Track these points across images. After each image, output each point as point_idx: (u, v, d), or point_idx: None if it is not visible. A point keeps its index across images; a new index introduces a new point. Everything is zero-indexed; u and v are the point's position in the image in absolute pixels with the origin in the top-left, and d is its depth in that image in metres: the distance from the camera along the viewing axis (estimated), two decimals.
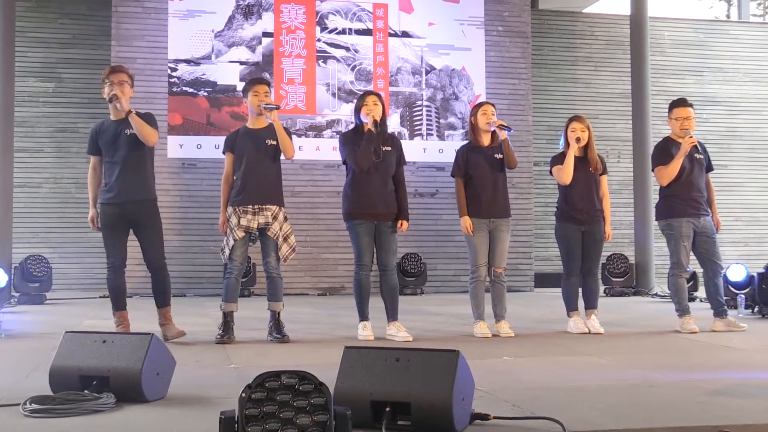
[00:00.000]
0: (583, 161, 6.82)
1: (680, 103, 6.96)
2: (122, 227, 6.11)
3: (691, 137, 6.69)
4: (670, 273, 6.93)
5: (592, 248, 6.84)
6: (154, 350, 3.84)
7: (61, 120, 12.23)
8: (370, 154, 6.26)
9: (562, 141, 6.97)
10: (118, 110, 6.09)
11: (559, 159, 6.91)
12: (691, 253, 6.85)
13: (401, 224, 6.40)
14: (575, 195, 6.81)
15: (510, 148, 6.58)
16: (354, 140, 6.38)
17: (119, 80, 6.05)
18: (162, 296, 6.23)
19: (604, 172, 6.95)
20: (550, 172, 7.01)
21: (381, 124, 6.39)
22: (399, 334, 6.29)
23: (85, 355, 3.84)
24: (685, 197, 6.79)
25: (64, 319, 7.82)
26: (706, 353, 5.71)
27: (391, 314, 6.41)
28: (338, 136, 11.26)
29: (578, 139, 6.77)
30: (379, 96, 6.51)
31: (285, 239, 6.22)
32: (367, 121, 6.31)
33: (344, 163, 6.54)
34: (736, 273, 8.75)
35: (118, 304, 6.17)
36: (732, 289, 8.61)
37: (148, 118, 6.11)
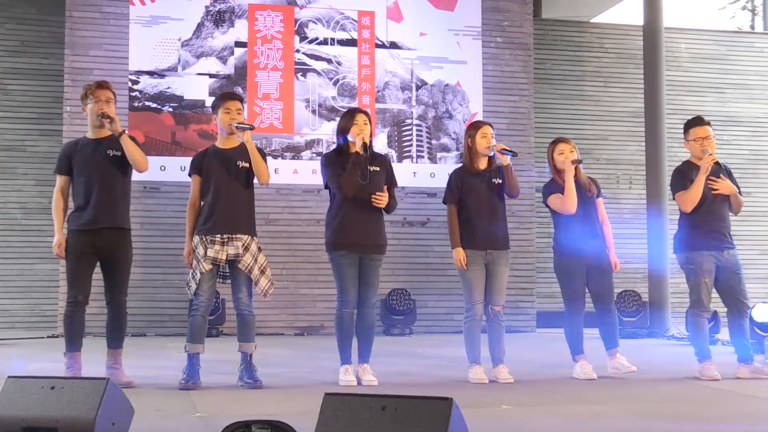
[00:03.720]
0: (576, 187, 6.85)
1: (697, 122, 7.00)
2: (92, 258, 6.23)
3: (710, 154, 6.73)
4: (688, 312, 6.94)
5: (602, 281, 6.86)
6: (109, 397, 3.81)
7: (6, 137, 12.19)
8: (356, 179, 6.28)
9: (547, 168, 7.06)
10: (100, 128, 6.25)
11: (553, 187, 6.94)
12: (713, 291, 6.86)
13: (385, 190, 6.41)
14: (575, 224, 6.84)
15: (513, 175, 6.61)
16: (338, 162, 6.40)
17: (106, 98, 6.25)
18: (117, 336, 6.31)
19: (599, 194, 7.00)
20: (545, 203, 7.03)
21: (369, 145, 6.42)
22: (364, 377, 6.33)
23: (30, 403, 3.80)
24: (706, 228, 6.80)
25: (6, 362, 7.75)
26: (729, 403, 5.72)
27: (363, 355, 6.45)
28: (319, 157, 11.34)
29: (580, 161, 6.84)
30: (368, 115, 6.55)
31: (262, 272, 6.23)
32: (356, 141, 6.33)
33: (326, 187, 6.55)
34: (762, 313, 8.77)
35: (74, 345, 6.19)
36: (758, 331, 8.62)
37: (137, 142, 6.34)
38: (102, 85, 6.33)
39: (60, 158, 6.36)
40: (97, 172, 6.20)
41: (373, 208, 6.41)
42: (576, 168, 6.90)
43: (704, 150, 6.78)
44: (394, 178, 6.64)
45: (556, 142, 7.03)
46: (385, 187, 6.48)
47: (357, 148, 6.34)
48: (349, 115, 6.53)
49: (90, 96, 6.24)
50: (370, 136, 6.49)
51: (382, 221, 6.51)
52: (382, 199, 6.37)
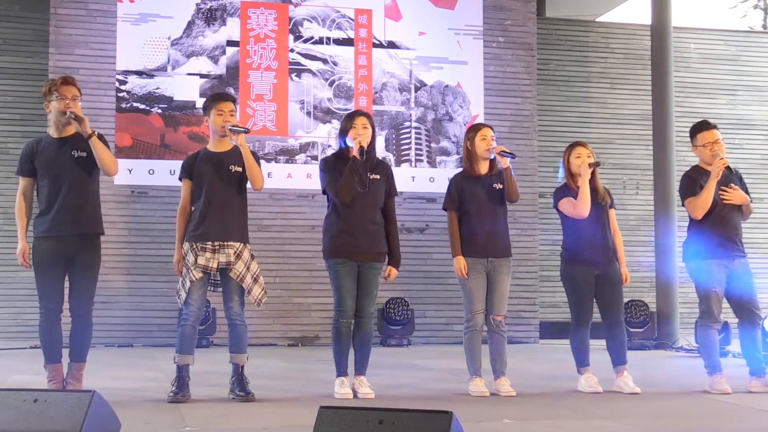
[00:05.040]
0: (590, 193, 6.84)
1: (704, 126, 7.00)
2: (60, 265, 6.06)
3: (721, 158, 6.73)
4: (698, 323, 6.93)
5: (611, 293, 6.85)
6: (95, 411, 3.80)
7: None
8: (352, 185, 6.28)
9: (561, 171, 7.03)
10: (64, 127, 6.09)
11: (565, 191, 6.94)
12: (724, 301, 6.86)
13: (389, 272, 6.50)
14: (587, 232, 6.82)
15: (512, 179, 6.61)
16: (336, 167, 6.41)
17: (72, 95, 6.07)
18: (81, 348, 6.14)
19: (612, 205, 7.01)
20: (555, 207, 7.03)
21: (369, 149, 6.43)
22: (360, 390, 6.33)
23: (12, 417, 3.80)
24: (717, 235, 6.78)
25: None
26: (740, 418, 5.71)
27: (359, 367, 6.46)
28: (313, 161, 11.35)
29: (598, 163, 6.84)
30: (369, 117, 6.56)
31: (256, 280, 6.22)
32: (352, 145, 6.34)
33: (324, 192, 6.56)
34: None
35: (52, 356, 6.10)
36: None
37: (105, 141, 6.16)
38: (68, 81, 6.14)
39: (22, 159, 6.16)
40: (61, 175, 6.03)
41: (372, 214, 6.42)
42: (593, 174, 6.89)
43: (715, 154, 6.78)
44: (395, 186, 6.64)
45: (573, 145, 7.04)
46: (390, 270, 6.54)
47: (354, 152, 6.34)
48: (349, 117, 6.55)
49: (54, 92, 6.05)
50: (373, 139, 6.50)
51: (382, 228, 6.51)
52: (392, 276, 6.55)
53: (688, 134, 7.20)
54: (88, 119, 6.05)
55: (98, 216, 6.22)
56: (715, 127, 6.99)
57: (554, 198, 7.04)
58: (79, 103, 6.13)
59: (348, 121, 6.50)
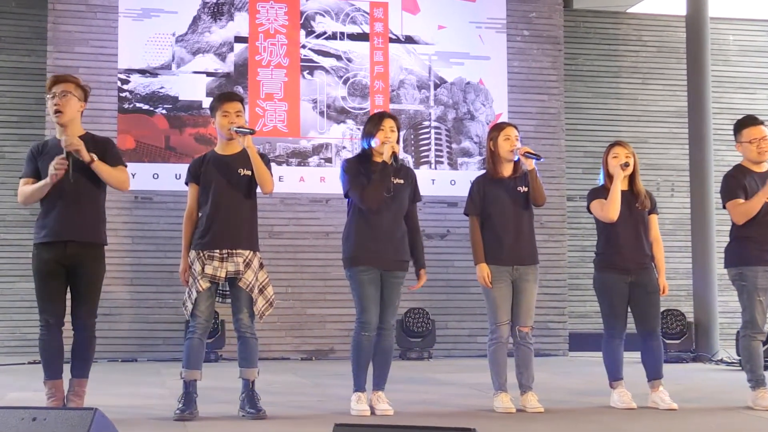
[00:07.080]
0: (627, 196, 6.82)
1: (750, 121, 6.97)
2: (61, 275, 5.99)
3: None
4: (741, 334, 6.89)
5: (646, 302, 6.81)
6: (97, 429, 3.80)
7: None
8: (382, 192, 6.29)
9: (602, 174, 6.99)
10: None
11: (599, 192, 6.91)
12: None
13: (421, 274, 6.59)
14: (620, 237, 6.79)
15: (538, 181, 6.59)
16: (360, 170, 6.41)
17: (61, 91, 5.89)
18: (84, 364, 6.08)
19: (654, 210, 6.96)
20: (588, 209, 7.02)
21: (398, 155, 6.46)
22: (378, 406, 6.33)
23: None
24: (762, 240, 6.74)
25: None
26: None
27: (378, 382, 6.47)
28: (327, 163, 11.36)
29: (626, 164, 6.79)
30: (396, 120, 6.55)
31: (261, 291, 6.21)
32: (384, 148, 6.33)
33: (346, 195, 6.55)
34: None
35: (52, 372, 6.09)
36: None
37: (114, 153, 6.07)
38: (58, 80, 5.96)
39: (28, 161, 6.07)
40: (65, 181, 5.88)
41: (397, 221, 6.44)
42: (635, 176, 6.86)
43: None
44: (419, 192, 6.66)
45: (612, 145, 7.00)
46: (422, 272, 6.64)
47: (385, 157, 6.33)
48: (377, 119, 6.53)
49: (47, 94, 5.94)
50: (397, 143, 6.49)
51: (406, 236, 6.51)
52: (423, 280, 6.67)
53: (725, 131, 7.17)
54: (83, 149, 5.78)
55: (102, 225, 6.16)
56: (762, 123, 6.95)
57: (587, 199, 7.02)
58: (74, 100, 5.92)
59: (374, 124, 6.47)
